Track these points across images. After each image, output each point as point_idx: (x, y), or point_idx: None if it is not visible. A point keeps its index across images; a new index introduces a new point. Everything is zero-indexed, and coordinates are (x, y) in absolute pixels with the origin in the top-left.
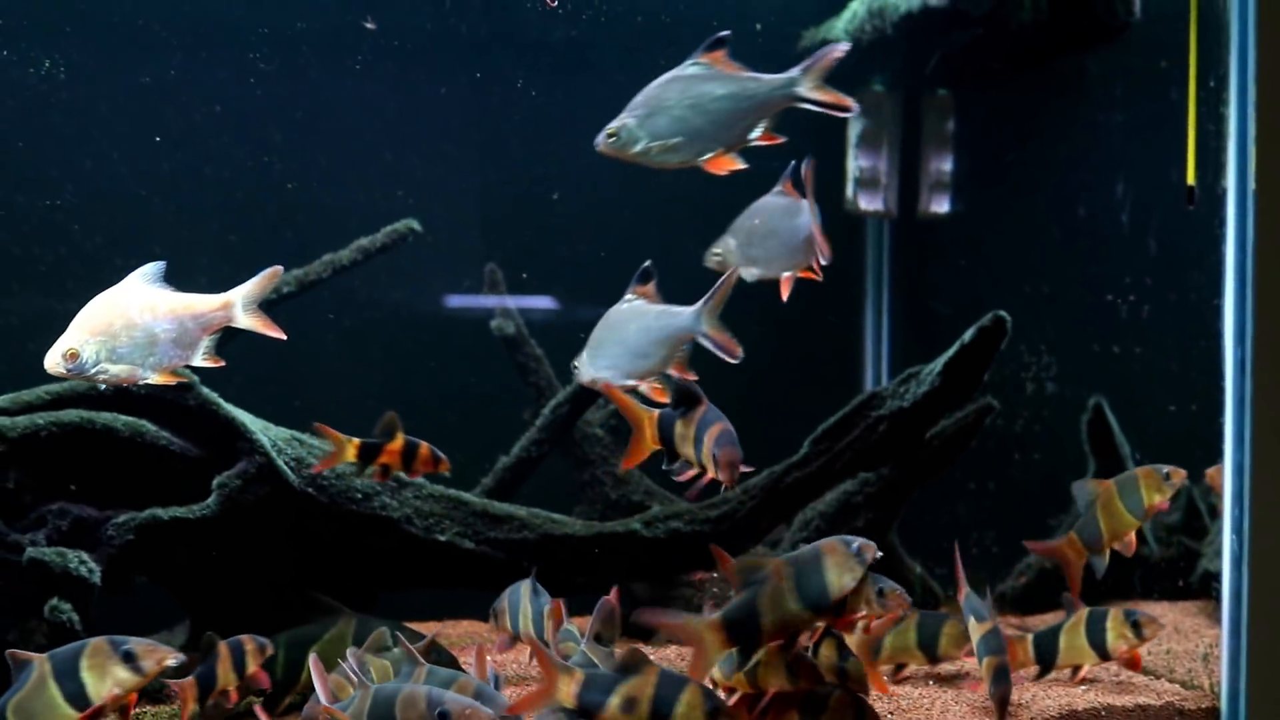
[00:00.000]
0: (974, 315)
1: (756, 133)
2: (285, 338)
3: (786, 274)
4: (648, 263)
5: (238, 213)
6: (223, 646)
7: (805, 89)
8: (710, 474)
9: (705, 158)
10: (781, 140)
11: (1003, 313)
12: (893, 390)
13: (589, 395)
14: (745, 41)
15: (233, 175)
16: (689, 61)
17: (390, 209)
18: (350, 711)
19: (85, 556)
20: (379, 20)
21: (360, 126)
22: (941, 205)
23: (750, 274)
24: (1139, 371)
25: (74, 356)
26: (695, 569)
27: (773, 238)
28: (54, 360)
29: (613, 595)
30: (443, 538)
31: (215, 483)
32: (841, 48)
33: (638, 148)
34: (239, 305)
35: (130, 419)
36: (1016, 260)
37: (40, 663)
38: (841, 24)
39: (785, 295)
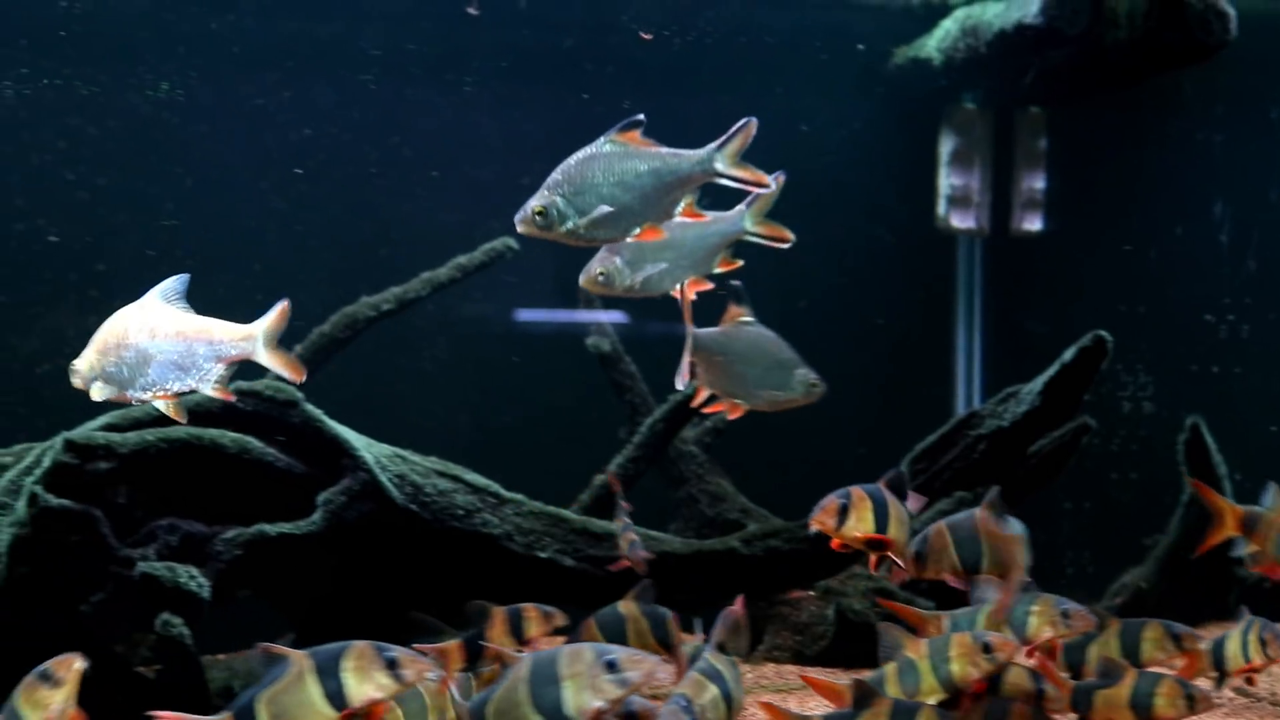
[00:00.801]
0: (1067, 334)
1: (679, 207)
2: (303, 378)
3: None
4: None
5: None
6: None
7: (722, 165)
8: None
9: (633, 233)
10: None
11: (1104, 332)
12: (991, 410)
13: (686, 413)
14: (844, 59)
15: (334, 195)
16: (603, 140)
17: (490, 228)
18: (509, 678)
19: (195, 572)
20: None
21: (462, 146)
22: (1034, 223)
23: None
24: (1238, 391)
25: (74, 373)
26: (792, 587)
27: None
28: (72, 374)
29: (738, 604)
30: (543, 555)
31: (320, 499)
32: (752, 123)
33: (566, 226)
34: (260, 340)
35: (237, 435)
36: (1112, 279)
37: (299, 659)
38: (934, 42)
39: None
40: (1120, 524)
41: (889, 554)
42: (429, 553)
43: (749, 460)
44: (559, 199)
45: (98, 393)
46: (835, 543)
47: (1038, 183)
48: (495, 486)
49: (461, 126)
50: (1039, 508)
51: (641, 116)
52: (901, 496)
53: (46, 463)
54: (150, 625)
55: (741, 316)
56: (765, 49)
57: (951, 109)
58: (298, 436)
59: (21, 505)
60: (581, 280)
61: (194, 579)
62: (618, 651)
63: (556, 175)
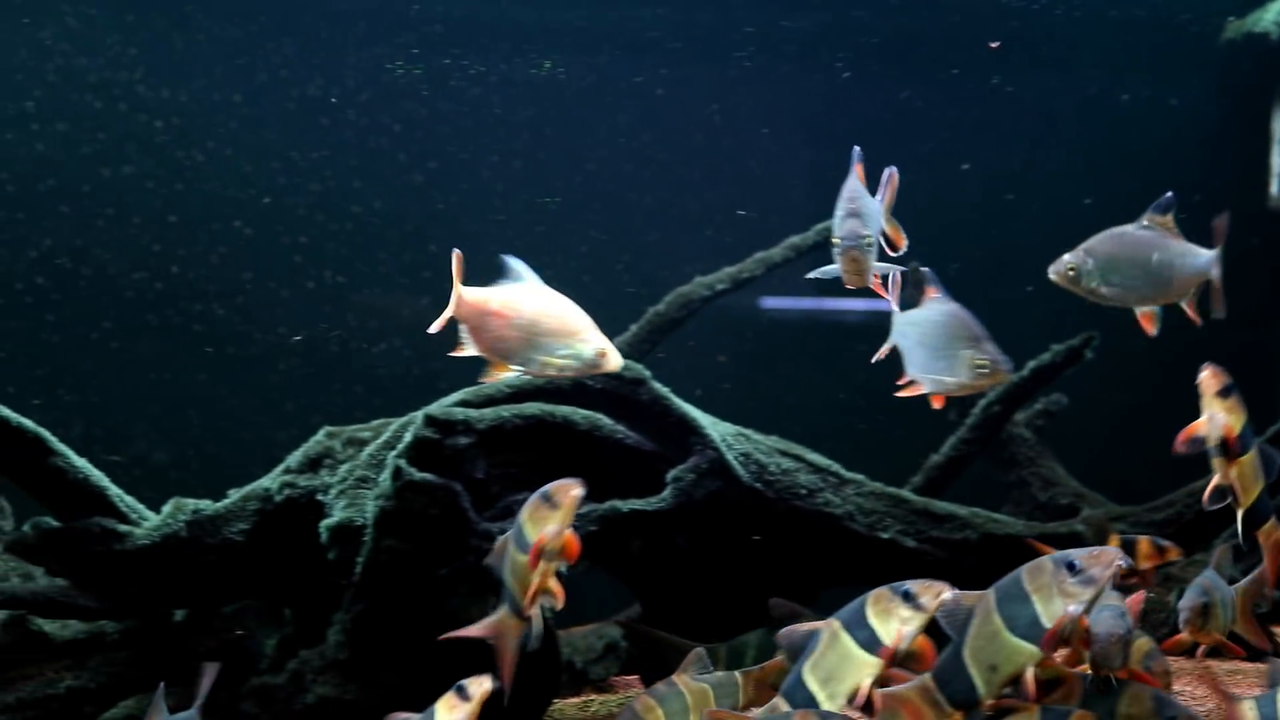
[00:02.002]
0: None
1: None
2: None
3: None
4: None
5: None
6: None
7: (1215, 272)
8: None
9: (1141, 310)
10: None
11: None
12: None
13: (1021, 395)
14: (1169, 33)
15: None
16: (1143, 220)
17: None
18: (977, 614)
19: None
20: None
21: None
22: None
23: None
24: None
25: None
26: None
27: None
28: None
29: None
30: (884, 536)
31: (670, 476)
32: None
33: (1091, 284)
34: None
35: (588, 413)
36: None
37: (829, 624)
38: (1271, 15)
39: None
40: None
41: None
42: (772, 531)
43: (1073, 446)
44: (1090, 263)
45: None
46: None
47: None
48: (836, 466)
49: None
50: None
51: (1170, 195)
52: None
53: (408, 437)
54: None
55: (932, 295)
56: (1091, 23)
57: None
58: (645, 414)
59: (386, 478)
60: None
61: None
62: (1075, 554)
63: (1096, 240)
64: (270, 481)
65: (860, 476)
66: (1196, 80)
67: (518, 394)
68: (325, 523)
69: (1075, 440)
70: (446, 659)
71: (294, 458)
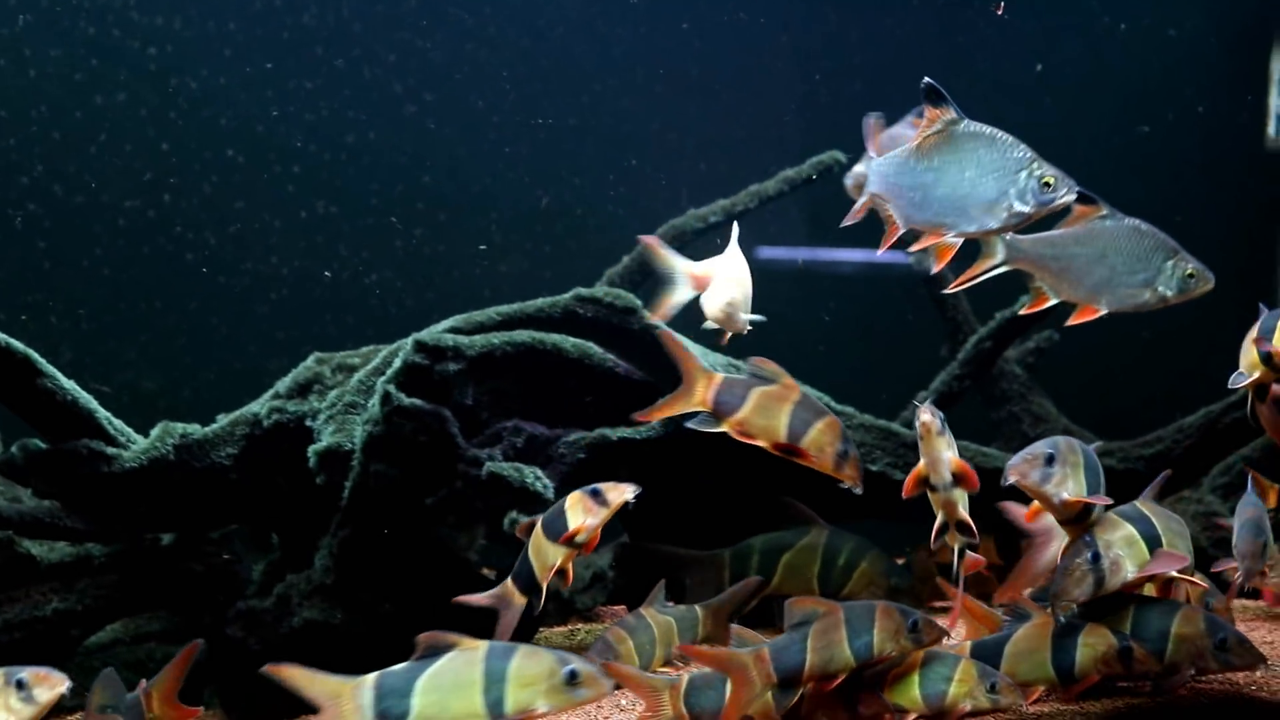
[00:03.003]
0: None
1: None
2: None
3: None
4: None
5: None
6: None
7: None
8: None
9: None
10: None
11: None
12: None
13: (1013, 331)
14: None
15: None
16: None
17: None
18: None
19: (540, 473)
20: None
21: None
22: None
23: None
24: None
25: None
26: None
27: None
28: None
29: None
30: (874, 468)
31: None
32: None
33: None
34: None
35: (578, 341)
36: None
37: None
38: None
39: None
40: None
41: None
42: (760, 463)
43: (1064, 382)
44: None
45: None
46: None
47: None
48: (825, 398)
49: None
50: None
51: None
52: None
53: (397, 363)
54: (491, 523)
55: (1095, 214)
56: None
57: None
58: (636, 343)
59: (375, 403)
60: None
61: (539, 479)
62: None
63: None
64: (259, 406)
65: (850, 409)
66: (1197, 17)
67: (508, 321)
68: (314, 447)
69: (1066, 376)
70: (432, 585)
71: (283, 383)
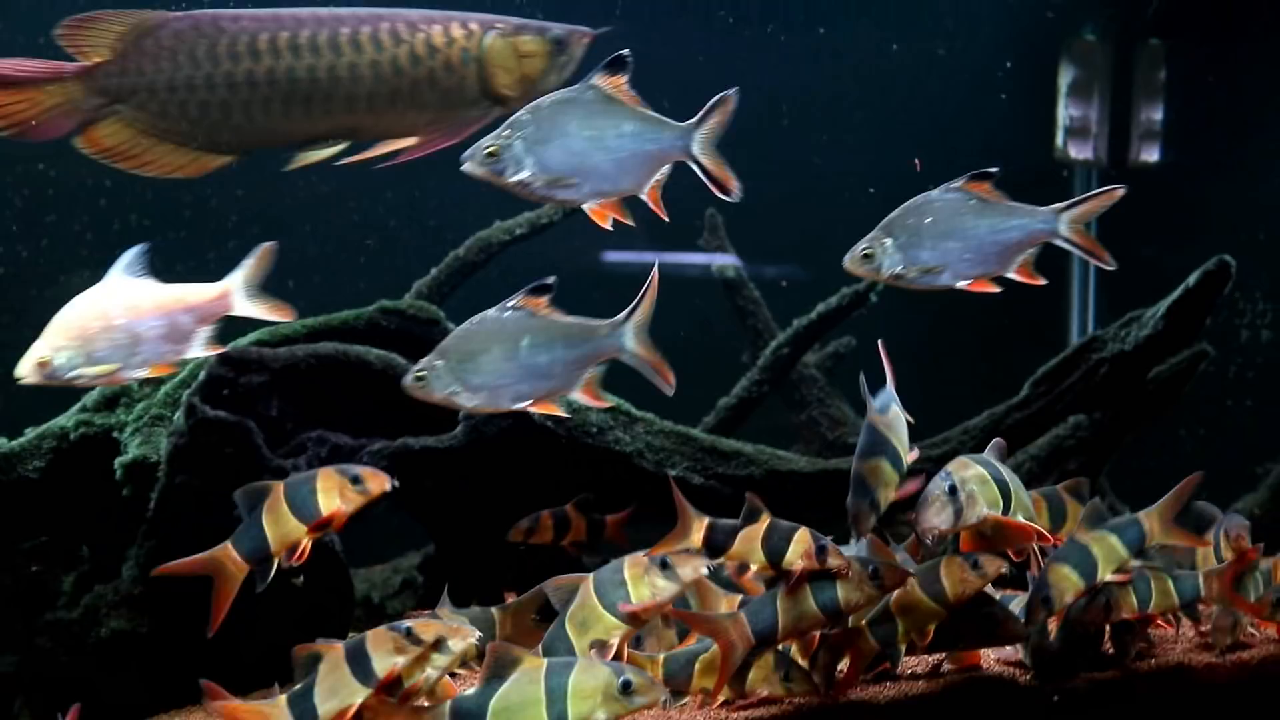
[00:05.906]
0: (1184, 262)
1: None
2: (293, 317)
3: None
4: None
5: None
6: None
7: (1064, 228)
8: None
9: (961, 283)
10: (1041, 281)
11: (1227, 257)
12: (1114, 334)
13: (810, 338)
14: None
15: None
16: (951, 187)
17: None
18: None
19: None
20: None
21: None
22: (1152, 154)
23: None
24: None
25: (44, 365)
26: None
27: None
28: (26, 369)
29: None
30: (673, 472)
31: (461, 414)
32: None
33: (896, 270)
34: (237, 292)
35: (383, 352)
36: (1229, 208)
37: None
38: None
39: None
40: (1235, 451)
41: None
42: (563, 468)
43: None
44: (890, 244)
45: (85, 379)
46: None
47: (1156, 114)
48: (626, 405)
49: None
50: (1155, 434)
51: (996, 169)
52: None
53: (202, 375)
54: None
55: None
56: None
57: (1071, 41)
58: None
59: (179, 416)
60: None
61: None
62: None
63: (897, 217)
64: (66, 420)
65: (650, 415)
66: (987, 35)
67: (314, 334)
68: (120, 460)
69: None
70: (241, 593)
71: (90, 396)
